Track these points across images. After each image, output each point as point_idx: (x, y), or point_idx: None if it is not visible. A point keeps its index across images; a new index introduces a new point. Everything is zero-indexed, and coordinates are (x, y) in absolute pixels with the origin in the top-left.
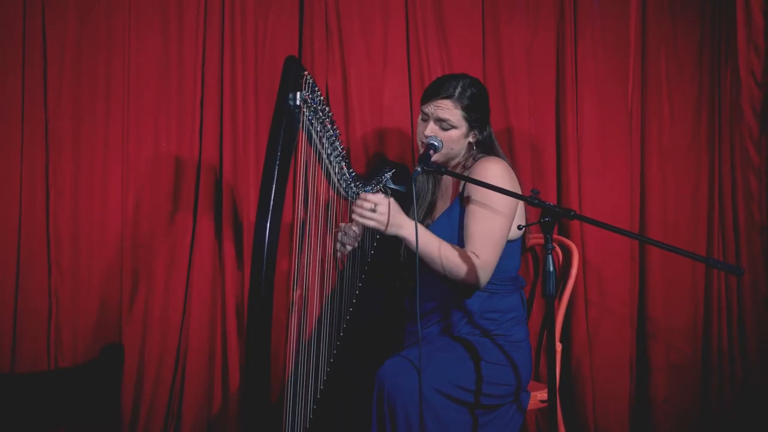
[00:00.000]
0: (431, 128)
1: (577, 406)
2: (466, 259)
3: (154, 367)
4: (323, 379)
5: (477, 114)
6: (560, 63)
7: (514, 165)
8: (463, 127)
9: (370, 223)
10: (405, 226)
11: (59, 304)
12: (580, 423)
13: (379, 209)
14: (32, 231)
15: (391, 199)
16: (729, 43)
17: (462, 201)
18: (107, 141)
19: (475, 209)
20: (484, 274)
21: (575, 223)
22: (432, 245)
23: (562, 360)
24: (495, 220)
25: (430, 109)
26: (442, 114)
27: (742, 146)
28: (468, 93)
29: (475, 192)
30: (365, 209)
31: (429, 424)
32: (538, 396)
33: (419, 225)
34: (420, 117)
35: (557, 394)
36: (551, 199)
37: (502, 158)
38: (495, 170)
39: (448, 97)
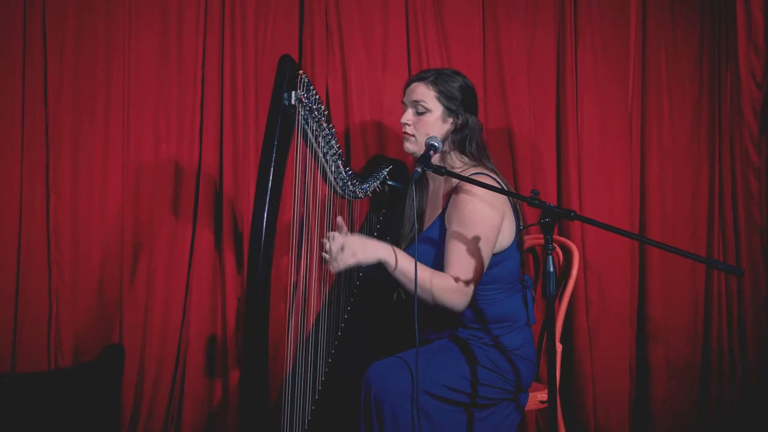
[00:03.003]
0: (407, 115)
1: (578, 406)
2: (442, 283)
3: (154, 367)
4: (321, 380)
5: (455, 98)
6: (560, 63)
7: (514, 164)
8: (438, 110)
9: (350, 261)
10: (379, 250)
11: (59, 304)
12: (581, 423)
13: (347, 244)
14: (32, 232)
15: (355, 235)
16: (729, 43)
17: (442, 217)
18: (107, 141)
19: (454, 232)
20: (461, 298)
21: (575, 224)
22: (410, 268)
23: (563, 360)
24: (473, 244)
25: (406, 96)
26: (415, 96)
27: (742, 147)
28: (444, 78)
29: (454, 211)
30: (335, 252)
31: (420, 424)
32: (538, 396)
33: (397, 250)
34: (403, 109)
35: (557, 394)
36: (551, 200)
37: (489, 167)
38: (473, 201)
39: (421, 79)
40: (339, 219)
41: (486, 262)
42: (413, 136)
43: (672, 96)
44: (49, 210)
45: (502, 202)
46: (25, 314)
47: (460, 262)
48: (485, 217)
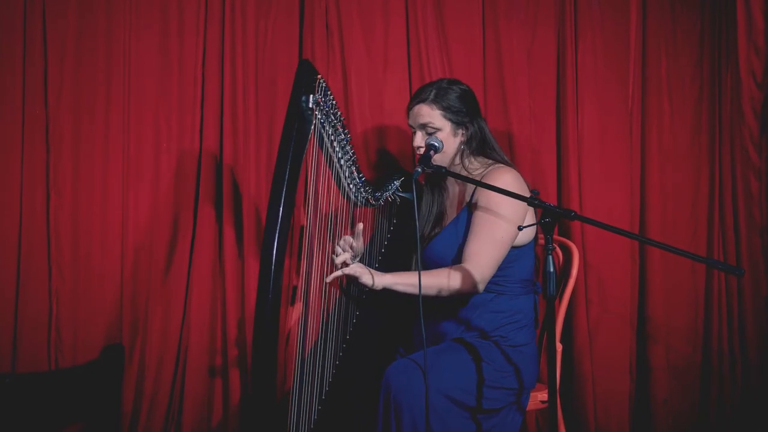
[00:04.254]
0: (418, 138)
1: (578, 406)
2: (455, 273)
3: (154, 367)
4: (329, 380)
5: (459, 111)
6: (560, 63)
7: (515, 165)
8: (447, 126)
9: (350, 272)
10: (377, 278)
11: (59, 304)
12: (581, 423)
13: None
14: (32, 231)
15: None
16: (729, 43)
17: (469, 208)
18: (107, 141)
19: (479, 214)
20: (480, 277)
21: (575, 224)
22: (417, 279)
23: (563, 360)
24: (497, 224)
25: (411, 119)
26: (422, 119)
27: (742, 147)
28: (444, 93)
29: (482, 198)
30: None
31: (434, 425)
32: (539, 396)
33: (395, 275)
34: (411, 131)
35: (557, 394)
36: (551, 200)
37: (508, 163)
38: (506, 180)
39: (423, 101)
40: (359, 226)
41: (506, 249)
42: None
43: (672, 96)
44: (49, 209)
45: (524, 192)
46: (25, 314)
47: (481, 247)
48: (510, 206)
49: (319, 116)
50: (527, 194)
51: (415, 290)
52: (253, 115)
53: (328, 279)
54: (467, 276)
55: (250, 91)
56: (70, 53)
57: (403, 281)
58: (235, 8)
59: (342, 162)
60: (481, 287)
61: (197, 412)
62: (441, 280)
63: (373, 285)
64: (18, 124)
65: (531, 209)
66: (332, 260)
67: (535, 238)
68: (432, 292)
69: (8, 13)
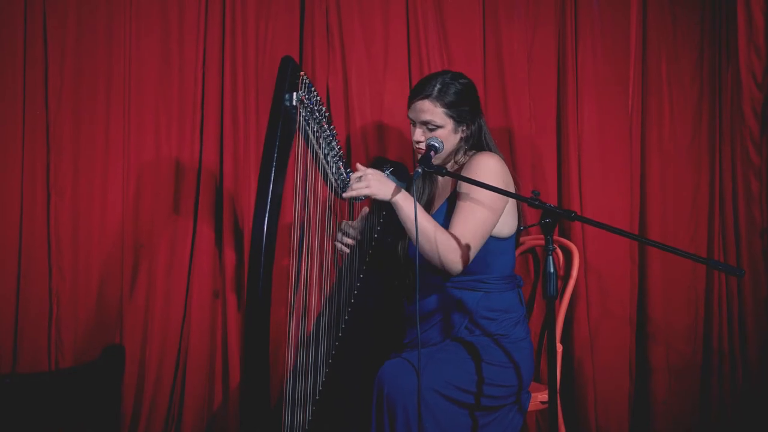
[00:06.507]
0: (418, 132)
1: (579, 407)
2: (447, 237)
3: (154, 368)
4: (322, 381)
5: (461, 108)
6: (561, 63)
7: (515, 165)
8: (449, 124)
9: (364, 192)
10: (393, 191)
11: (60, 305)
12: (582, 424)
13: (365, 176)
14: (33, 232)
15: (376, 171)
16: (729, 43)
17: (449, 200)
18: (107, 142)
19: (462, 200)
20: (462, 255)
21: (576, 225)
22: (421, 221)
23: (563, 361)
24: (478, 209)
25: (413, 114)
26: (424, 116)
27: (742, 147)
28: (447, 89)
29: (464, 185)
30: (353, 180)
31: (428, 425)
32: (539, 397)
33: (409, 196)
34: (411, 123)
35: (558, 395)
36: (552, 200)
37: (495, 152)
38: (487, 165)
39: (427, 96)
40: (365, 209)
41: (488, 232)
42: None
43: (672, 96)
44: (49, 210)
45: (508, 180)
46: (25, 314)
47: (465, 224)
48: (491, 195)
49: (304, 113)
50: (510, 179)
51: (413, 227)
52: (254, 114)
53: (347, 195)
54: (452, 251)
55: (250, 91)
56: (70, 53)
57: (411, 214)
58: (236, 8)
59: (329, 158)
60: (459, 268)
61: (198, 413)
62: (435, 236)
63: (391, 197)
64: (19, 125)
65: (512, 200)
66: (336, 245)
67: (517, 233)
68: (424, 243)
69: (9, 13)
